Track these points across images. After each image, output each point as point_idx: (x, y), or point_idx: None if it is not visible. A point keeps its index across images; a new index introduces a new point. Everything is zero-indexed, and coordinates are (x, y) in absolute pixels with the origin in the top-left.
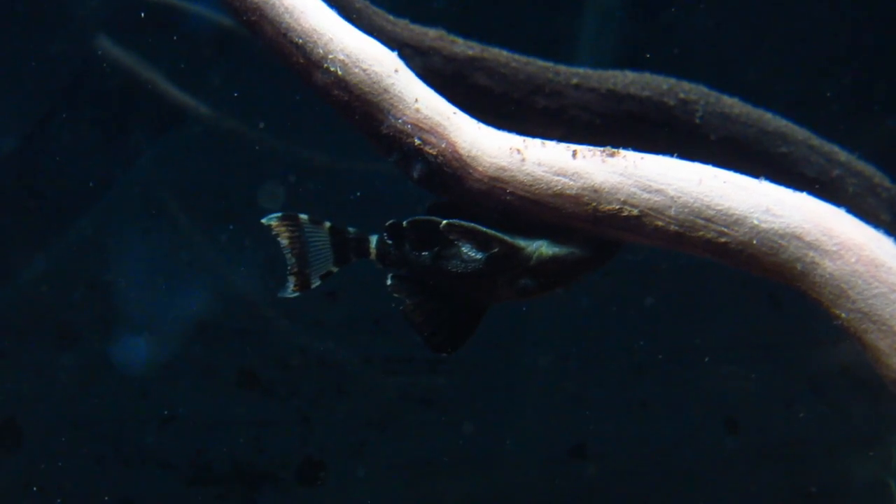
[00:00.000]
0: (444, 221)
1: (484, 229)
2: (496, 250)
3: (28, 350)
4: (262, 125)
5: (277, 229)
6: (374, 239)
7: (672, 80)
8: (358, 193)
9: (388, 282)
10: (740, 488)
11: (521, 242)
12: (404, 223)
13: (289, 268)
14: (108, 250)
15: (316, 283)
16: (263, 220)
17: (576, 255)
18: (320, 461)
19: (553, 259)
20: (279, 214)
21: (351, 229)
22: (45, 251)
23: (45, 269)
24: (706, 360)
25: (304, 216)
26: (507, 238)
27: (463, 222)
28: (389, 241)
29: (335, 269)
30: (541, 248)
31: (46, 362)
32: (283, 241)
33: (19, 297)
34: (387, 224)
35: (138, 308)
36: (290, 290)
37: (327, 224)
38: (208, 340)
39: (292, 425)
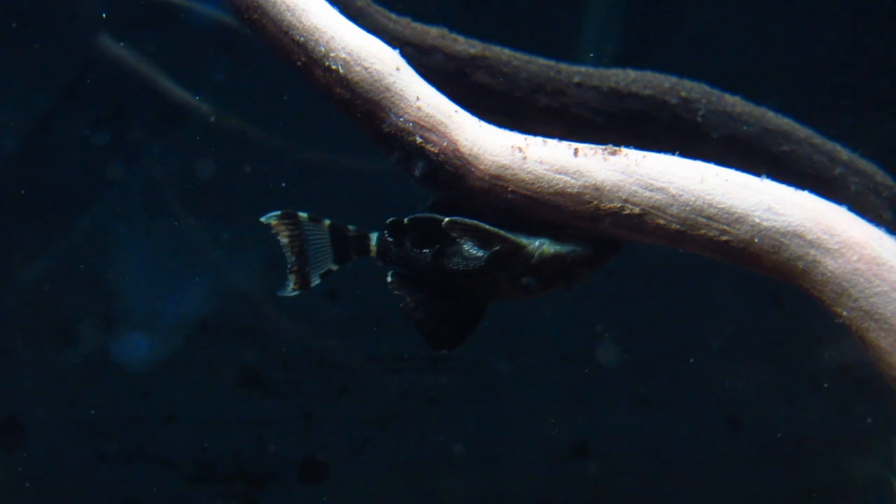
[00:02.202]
0: (447, 218)
1: (486, 227)
2: (498, 248)
3: (30, 348)
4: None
5: (277, 227)
6: (374, 236)
7: (674, 79)
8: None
9: (389, 279)
10: (742, 486)
11: (523, 240)
12: (405, 220)
13: (288, 266)
14: (110, 249)
15: (316, 282)
16: (262, 219)
17: (577, 254)
18: (322, 460)
19: (555, 257)
20: (278, 212)
21: (351, 227)
22: (46, 250)
23: (47, 268)
24: (708, 358)
25: (303, 214)
26: (509, 236)
27: (465, 219)
28: (390, 239)
29: (335, 268)
30: (543, 246)
31: (48, 360)
32: (283, 240)
33: (21, 295)
34: (387, 221)
35: (140, 306)
36: (290, 289)
37: (327, 222)
38: (210, 339)
39: (294, 424)
